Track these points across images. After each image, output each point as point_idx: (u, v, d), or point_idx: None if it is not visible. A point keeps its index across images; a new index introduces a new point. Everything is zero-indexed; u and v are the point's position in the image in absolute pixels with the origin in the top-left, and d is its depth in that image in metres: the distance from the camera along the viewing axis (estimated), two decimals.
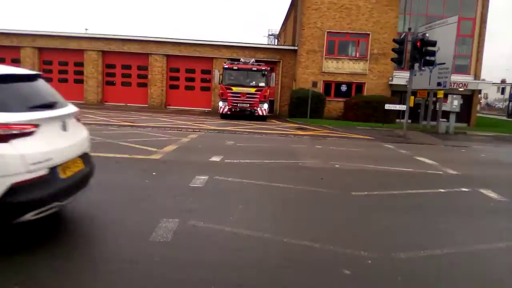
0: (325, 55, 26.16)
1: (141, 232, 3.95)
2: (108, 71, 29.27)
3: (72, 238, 3.76)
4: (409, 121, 17.84)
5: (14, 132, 3.18)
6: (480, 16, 26.72)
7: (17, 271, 3.03)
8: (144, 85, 29.11)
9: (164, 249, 3.57)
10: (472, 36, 27.14)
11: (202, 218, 4.46)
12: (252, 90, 20.99)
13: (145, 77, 29.08)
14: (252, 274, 3.20)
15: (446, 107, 20.10)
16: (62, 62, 29.22)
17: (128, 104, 28.65)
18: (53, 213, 3.62)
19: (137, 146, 9.56)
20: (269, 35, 53.79)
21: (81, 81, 29.00)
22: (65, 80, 29.58)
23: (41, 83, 4.03)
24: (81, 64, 28.85)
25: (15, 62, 28.81)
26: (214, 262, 3.38)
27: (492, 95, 69.80)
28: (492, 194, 6.41)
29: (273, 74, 22.75)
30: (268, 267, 3.35)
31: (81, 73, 28.98)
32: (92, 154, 8.04)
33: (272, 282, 3.11)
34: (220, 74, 21.73)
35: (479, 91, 31.35)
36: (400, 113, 23.53)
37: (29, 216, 3.22)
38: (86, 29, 41.56)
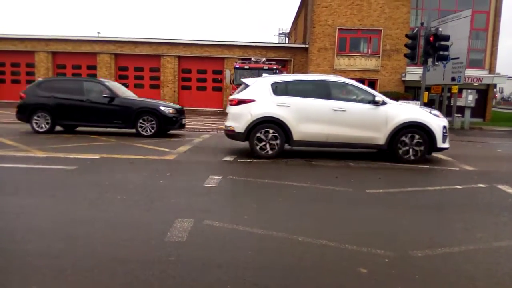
0: (337, 53, 26.02)
1: (156, 232, 3.97)
2: (121, 74, 29.53)
3: (87, 238, 3.78)
4: None
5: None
6: (494, 9, 26.29)
7: None
8: (157, 86, 29.30)
9: (180, 249, 3.57)
10: (486, 29, 26.74)
11: (217, 217, 4.46)
12: None
13: (158, 78, 29.28)
14: (267, 274, 3.19)
15: (460, 102, 19.84)
16: (75, 66, 29.58)
17: None
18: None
19: (150, 147, 9.63)
20: (279, 33, 53.78)
21: None
22: None
23: None
24: (94, 67, 29.16)
25: (30, 66, 29.27)
26: (230, 261, 3.37)
27: (508, 89, 68.69)
28: (510, 190, 6.30)
29: (285, 73, 22.68)
30: (284, 267, 3.34)
31: (94, 76, 29.27)
32: (106, 155, 8.14)
33: (288, 281, 3.10)
34: (231, 74, 21.74)
35: (494, 85, 30.90)
36: None
37: None
38: (98, 33, 41.96)
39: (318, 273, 3.25)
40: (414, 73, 24.59)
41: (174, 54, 28.72)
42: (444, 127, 8.59)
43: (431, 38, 15.14)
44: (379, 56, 25.87)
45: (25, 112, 12.00)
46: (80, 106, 11.76)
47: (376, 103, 8.49)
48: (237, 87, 20.84)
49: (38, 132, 11.70)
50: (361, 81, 25.88)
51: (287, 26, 50.96)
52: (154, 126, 11.66)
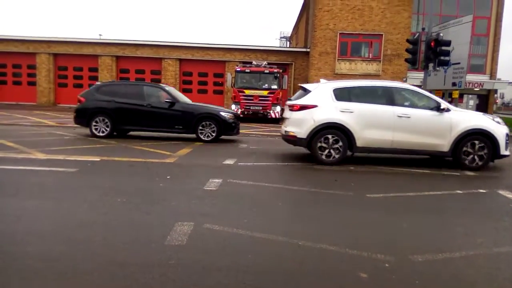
0: (338, 57, 26.06)
1: (156, 235, 3.96)
2: (122, 76, 29.60)
3: (87, 241, 3.78)
4: None
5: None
6: (495, 15, 26.36)
7: None
8: None
9: (180, 253, 3.57)
10: (487, 35, 26.78)
11: (217, 221, 4.46)
12: (265, 92, 20.98)
13: (159, 81, 29.30)
14: (268, 278, 3.18)
15: (461, 107, 19.84)
16: (77, 68, 29.67)
17: None
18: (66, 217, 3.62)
19: (151, 149, 9.63)
20: (281, 37, 53.88)
21: None
22: (80, 86, 29.95)
23: None
24: (95, 70, 29.24)
25: (31, 68, 29.33)
26: (230, 265, 3.37)
27: (509, 94, 68.62)
28: (511, 195, 6.28)
29: (286, 77, 22.72)
30: (284, 271, 3.33)
31: (96, 78, 29.32)
32: (107, 158, 8.15)
33: (288, 285, 3.09)
34: (232, 77, 21.78)
35: (495, 91, 30.89)
36: None
37: None
38: (100, 35, 42.12)
39: (318, 277, 3.24)
40: (415, 78, 24.63)
41: (175, 57, 28.78)
42: (507, 134, 8.61)
43: (432, 43, 15.13)
44: (380, 61, 25.91)
45: (84, 116, 11.89)
46: (141, 111, 11.71)
47: (441, 109, 8.47)
48: (238, 91, 21.00)
49: (97, 137, 11.60)
50: None
51: (288, 30, 51.01)
52: (215, 131, 11.72)
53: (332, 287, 3.11)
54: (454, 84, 18.42)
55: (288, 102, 9.31)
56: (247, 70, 21.51)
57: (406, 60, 17.00)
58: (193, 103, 12.85)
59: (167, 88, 12.57)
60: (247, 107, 20.97)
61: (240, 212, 4.91)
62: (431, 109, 8.55)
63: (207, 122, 11.71)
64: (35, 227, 4.16)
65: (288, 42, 50.91)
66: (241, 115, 21.05)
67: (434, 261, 3.63)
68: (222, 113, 11.93)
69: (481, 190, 6.68)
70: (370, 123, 8.46)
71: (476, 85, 25.26)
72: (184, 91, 29.19)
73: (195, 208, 4.97)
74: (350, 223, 4.76)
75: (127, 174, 6.97)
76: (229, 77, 22.09)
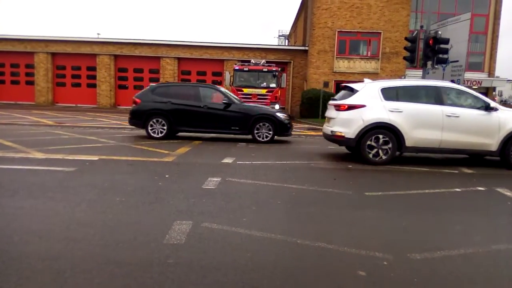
0: (336, 55, 26.06)
1: (154, 234, 3.96)
2: (121, 75, 29.58)
3: (86, 240, 3.78)
4: None
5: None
6: (494, 13, 26.37)
7: None
8: None
9: (178, 252, 3.57)
10: (486, 33, 26.81)
11: (216, 220, 4.46)
12: (263, 91, 20.96)
13: (157, 80, 29.28)
14: (266, 276, 3.18)
15: None
16: (75, 67, 29.63)
17: None
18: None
19: (150, 148, 9.62)
20: (279, 36, 53.88)
21: (94, 85, 29.35)
22: (78, 85, 29.97)
23: None
24: (93, 69, 29.20)
25: (29, 67, 29.28)
26: (228, 264, 3.37)
27: (507, 92, 68.69)
28: (509, 193, 6.30)
29: (284, 75, 22.70)
30: (283, 269, 3.33)
31: (94, 77, 29.33)
32: (105, 157, 8.14)
33: (287, 284, 3.09)
34: (231, 76, 21.74)
35: (494, 89, 30.93)
36: None
37: None
38: (98, 34, 42.00)
39: (316, 275, 3.25)
40: (413, 76, 24.62)
41: (173, 55, 28.76)
42: None
43: (430, 41, 15.13)
44: (378, 59, 25.92)
45: (140, 117, 11.83)
46: (198, 112, 11.71)
47: (489, 109, 8.49)
48: (237, 89, 20.98)
49: (153, 138, 11.58)
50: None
51: (287, 28, 50.98)
52: (271, 132, 11.73)
53: (331, 286, 3.11)
54: (452, 81, 18.43)
55: (334, 102, 9.28)
56: (246, 69, 21.47)
57: (405, 58, 17.02)
58: (249, 104, 12.99)
59: (222, 89, 12.61)
60: None
61: (239, 210, 4.91)
62: (479, 108, 8.58)
63: (264, 123, 11.75)
64: (33, 226, 4.15)
65: (286, 41, 50.89)
66: None
67: (433, 259, 3.64)
68: (279, 114, 11.98)
69: (480, 188, 6.69)
70: (419, 122, 8.47)
71: (474, 83, 25.30)
72: None
73: (194, 207, 4.97)
74: (349, 222, 4.76)
75: (125, 173, 6.97)
76: (227, 75, 22.05)
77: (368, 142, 8.48)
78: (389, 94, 8.70)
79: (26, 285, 2.94)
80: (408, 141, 8.47)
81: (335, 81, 26.09)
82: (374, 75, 25.91)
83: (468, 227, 4.71)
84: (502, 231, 4.67)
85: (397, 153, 8.71)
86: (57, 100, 29.70)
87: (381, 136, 8.45)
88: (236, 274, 3.19)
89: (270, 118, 11.78)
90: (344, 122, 8.67)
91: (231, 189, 6.03)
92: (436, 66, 16.11)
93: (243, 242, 3.88)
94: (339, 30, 25.77)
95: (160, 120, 11.67)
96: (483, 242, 4.16)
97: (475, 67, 26.42)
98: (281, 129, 11.85)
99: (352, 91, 9.01)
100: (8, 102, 28.80)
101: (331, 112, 9.27)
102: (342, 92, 9.59)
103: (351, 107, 8.67)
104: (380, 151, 8.48)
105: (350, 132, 8.56)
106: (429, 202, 5.81)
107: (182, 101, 11.81)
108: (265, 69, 21.43)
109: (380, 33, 25.59)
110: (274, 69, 21.51)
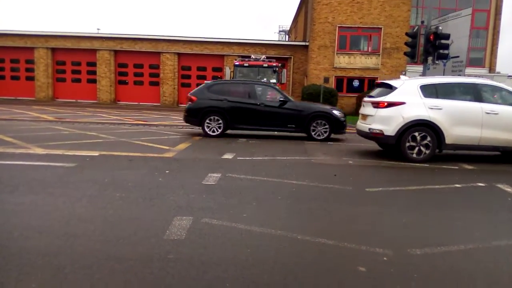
0: (337, 50, 25.98)
1: (155, 230, 3.97)
2: (121, 70, 29.51)
3: (86, 236, 3.78)
4: None
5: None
6: (495, 8, 26.28)
7: None
8: (156, 83, 29.28)
9: (178, 247, 3.57)
10: (487, 28, 26.72)
11: (216, 215, 4.46)
12: None
13: (157, 75, 29.26)
14: (266, 272, 3.19)
15: None
16: (75, 62, 29.56)
17: (141, 103, 28.85)
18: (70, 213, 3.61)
19: (150, 144, 9.62)
20: (280, 31, 53.68)
21: (94, 81, 29.29)
22: (78, 80, 29.91)
23: None
24: (93, 64, 29.13)
25: (29, 63, 29.23)
26: (229, 260, 3.37)
27: None
28: (509, 189, 6.30)
29: (284, 71, 22.64)
30: (283, 265, 3.34)
31: (94, 72, 29.26)
32: (105, 152, 8.14)
33: (287, 279, 3.10)
34: (231, 71, 21.68)
35: None
36: None
37: None
38: (98, 29, 41.97)
39: (317, 271, 3.25)
40: (414, 72, 24.57)
41: (173, 51, 28.68)
42: None
43: (431, 37, 15.08)
44: (379, 54, 25.85)
45: (196, 115, 11.82)
46: (255, 110, 11.70)
47: None
48: None
49: (209, 136, 11.60)
50: (361, 79, 25.90)
51: (287, 24, 50.81)
52: (327, 130, 11.68)
53: (331, 281, 3.12)
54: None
55: (371, 99, 9.23)
56: (246, 64, 21.39)
57: (405, 53, 16.96)
58: (305, 102, 12.87)
59: (277, 86, 12.55)
60: None
61: (239, 206, 4.91)
62: None
63: (320, 121, 11.69)
64: (33, 222, 4.15)
65: (287, 36, 50.72)
66: None
67: (433, 254, 3.64)
68: (335, 112, 11.92)
69: (480, 184, 6.69)
70: (459, 120, 8.45)
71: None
72: (183, 85, 29.17)
73: (194, 202, 4.97)
74: (349, 217, 4.76)
75: (126, 168, 6.97)
76: (227, 71, 21.99)
77: (408, 140, 8.47)
78: (428, 91, 8.67)
79: (26, 281, 2.94)
80: (448, 139, 8.46)
81: (335, 76, 26.05)
82: (375, 71, 25.86)
83: (468, 223, 4.71)
84: (502, 227, 4.67)
85: (436, 150, 8.68)
86: (57, 95, 29.66)
87: (421, 134, 8.44)
88: (237, 269, 3.20)
89: (327, 116, 11.71)
90: (383, 120, 8.64)
91: (231, 184, 6.03)
92: (436, 62, 16.07)
93: (243, 238, 3.89)
94: (339, 25, 25.69)
95: (216, 118, 11.66)
96: (484, 238, 4.16)
97: (476, 62, 26.37)
98: (337, 126, 11.80)
99: (390, 88, 8.96)
100: (8, 97, 28.76)
101: (367, 109, 9.22)
102: (378, 89, 9.53)
103: (390, 104, 8.62)
104: (420, 148, 8.47)
105: (389, 129, 8.53)
106: (430, 198, 5.81)
107: (238, 98, 11.80)
108: (265, 65, 21.36)
109: (381, 28, 25.51)
110: (274, 64, 21.44)
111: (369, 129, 8.93)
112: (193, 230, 3.99)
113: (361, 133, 9.54)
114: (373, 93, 9.70)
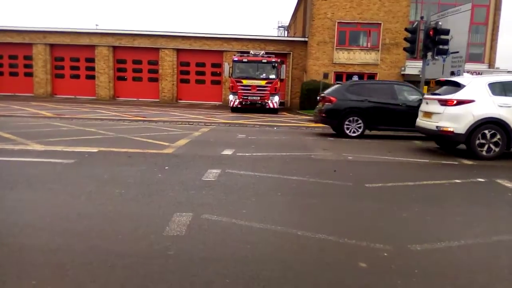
0: (336, 46, 25.94)
1: (154, 226, 3.96)
2: (119, 66, 29.46)
3: (85, 232, 3.77)
4: None
5: None
6: (494, 3, 26.22)
7: None
8: (155, 79, 29.23)
9: (178, 243, 3.56)
10: (486, 24, 26.67)
11: (216, 211, 4.45)
12: (263, 82, 20.86)
13: (156, 71, 29.21)
14: (266, 268, 3.18)
15: None
16: (73, 58, 29.49)
17: (140, 99, 28.81)
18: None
19: (149, 140, 9.60)
20: (279, 27, 53.60)
21: (92, 77, 29.24)
22: (77, 76, 29.86)
23: None
24: (92, 60, 29.07)
25: (28, 59, 29.14)
26: (229, 255, 3.37)
27: None
28: (509, 184, 6.29)
29: (284, 66, 22.59)
30: (283, 261, 3.33)
31: (93, 68, 29.21)
32: (105, 149, 8.12)
33: (287, 275, 3.09)
34: (229, 67, 21.62)
35: None
36: None
37: None
38: (96, 25, 41.86)
39: (317, 267, 3.24)
40: (413, 67, 24.54)
41: (172, 47, 28.61)
42: None
43: (430, 32, 15.05)
44: (378, 50, 25.80)
45: (336, 116, 11.76)
46: (395, 110, 11.62)
47: None
48: (236, 81, 20.89)
49: (349, 137, 11.57)
50: (361, 75, 25.84)
51: (286, 20, 50.68)
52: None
53: (331, 277, 3.11)
54: (452, 73, 18.35)
55: (438, 97, 9.17)
56: (245, 60, 21.36)
57: (405, 49, 16.95)
58: None
59: (414, 86, 12.45)
60: (244, 97, 20.86)
61: (239, 202, 4.90)
62: None
63: None
64: (33, 219, 4.14)
65: (286, 32, 50.60)
66: (238, 106, 21.01)
67: (433, 250, 3.63)
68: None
69: (480, 179, 6.68)
70: None
71: (474, 74, 25.20)
72: (182, 81, 29.11)
73: (194, 198, 4.96)
74: (349, 213, 4.76)
75: (125, 165, 6.95)
76: (226, 67, 21.95)
77: (478, 138, 8.46)
78: (496, 89, 8.63)
79: (26, 278, 2.93)
80: None
81: (334, 72, 26.00)
82: (374, 66, 25.82)
83: (468, 218, 4.71)
84: (502, 222, 4.67)
85: (505, 149, 8.64)
86: (56, 92, 29.60)
87: (491, 132, 8.42)
88: (236, 265, 3.19)
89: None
90: (453, 118, 8.59)
91: (231, 180, 6.02)
92: (436, 57, 16.05)
93: (243, 234, 3.88)
94: (339, 21, 25.62)
95: (356, 118, 11.62)
96: (484, 233, 4.16)
97: (475, 58, 26.33)
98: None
99: (458, 85, 8.90)
100: (6, 94, 28.71)
101: (432, 107, 9.18)
102: (444, 87, 9.47)
103: (460, 102, 8.57)
104: (490, 146, 8.46)
105: (460, 127, 8.48)
106: (430, 194, 5.80)
107: (379, 99, 11.70)
108: (264, 60, 21.32)
109: (380, 24, 25.45)
110: (273, 60, 21.40)
111: (437, 127, 8.85)
112: (193, 226, 3.98)
113: (425, 131, 9.53)
114: (439, 90, 9.62)
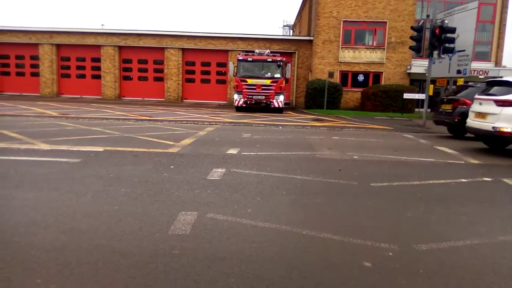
0: (341, 45, 25.86)
1: (160, 225, 3.97)
2: (125, 66, 29.56)
3: (91, 231, 3.79)
4: (429, 110, 17.54)
5: None
6: (501, 1, 26.01)
7: None
8: (161, 79, 29.30)
9: (183, 242, 3.57)
10: (493, 22, 26.48)
11: (220, 211, 4.46)
12: (268, 81, 20.81)
13: (161, 71, 29.28)
14: (271, 267, 3.18)
15: None
16: (79, 58, 29.62)
17: (145, 99, 28.89)
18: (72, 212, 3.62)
19: (154, 139, 9.63)
20: (284, 26, 53.50)
21: (98, 77, 29.36)
22: (83, 76, 30.00)
23: None
24: (98, 60, 29.19)
25: (34, 59, 29.32)
26: (233, 254, 3.37)
27: None
28: None
29: (289, 65, 22.53)
30: (288, 260, 3.33)
31: (99, 68, 29.32)
32: (110, 148, 8.15)
33: (292, 275, 3.09)
34: (234, 66, 21.58)
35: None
36: (419, 102, 23.16)
37: None
38: (102, 25, 42.02)
39: (322, 266, 3.24)
40: (419, 66, 24.43)
41: (178, 46, 28.66)
42: None
43: (437, 31, 14.97)
44: (384, 49, 25.69)
45: None
46: None
47: None
48: (241, 80, 20.86)
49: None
50: (366, 74, 25.77)
51: (291, 18, 50.64)
52: None
53: (336, 276, 3.10)
54: (459, 71, 18.26)
55: (493, 97, 9.13)
56: (250, 59, 21.30)
57: (411, 47, 16.85)
58: None
59: None
60: (249, 96, 20.82)
61: (244, 201, 4.91)
62: None
63: None
64: (39, 217, 4.16)
65: (291, 31, 50.52)
66: (243, 105, 20.99)
67: (438, 250, 3.62)
68: None
69: (486, 179, 6.64)
70: None
71: (481, 72, 25.03)
72: (187, 81, 29.16)
73: (199, 197, 4.97)
74: (354, 212, 4.74)
75: (130, 164, 6.97)
76: (231, 66, 21.90)
77: None
78: None
79: (32, 276, 2.95)
80: None
81: (340, 71, 25.92)
82: (379, 65, 25.72)
83: (474, 218, 4.68)
84: (509, 222, 4.63)
85: None
86: (62, 91, 29.76)
87: None
88: (241, 265, 3.19)
89: None
90: (511, 118, 8.57)
91: (236, 180, 6.02)
92: (442, 56, 15.97)
93: (248, 233, 3.88)
94: (344, 19, 25.53)
95: None
96: (490, 233, 4.13)
97: (482, 56, 26.15)
98: None
99: None
100: (13, 93, 28.91)
101: (486, 107, 9.13)
102: (495, 87, 9.43)
103: None
104: None
105: None
106: (435, 193, 5.77)
107: None
108: (269, 59, 21.25)
109: (386, 22, 25.33)
110: (278, 59, 21.33)
111: (493, 127, 8.80)
112: (198, 225, 3.99)
113: (478, 132, 9.46)
114: (492, 91, 9.55)
